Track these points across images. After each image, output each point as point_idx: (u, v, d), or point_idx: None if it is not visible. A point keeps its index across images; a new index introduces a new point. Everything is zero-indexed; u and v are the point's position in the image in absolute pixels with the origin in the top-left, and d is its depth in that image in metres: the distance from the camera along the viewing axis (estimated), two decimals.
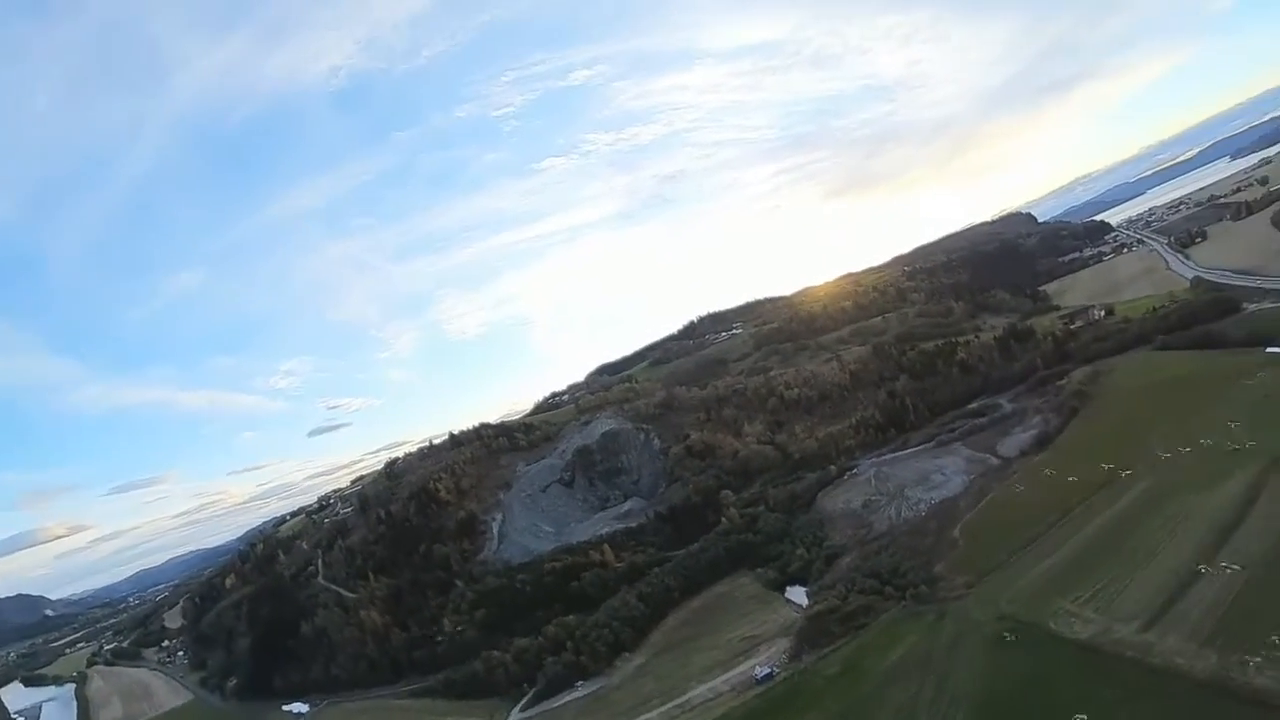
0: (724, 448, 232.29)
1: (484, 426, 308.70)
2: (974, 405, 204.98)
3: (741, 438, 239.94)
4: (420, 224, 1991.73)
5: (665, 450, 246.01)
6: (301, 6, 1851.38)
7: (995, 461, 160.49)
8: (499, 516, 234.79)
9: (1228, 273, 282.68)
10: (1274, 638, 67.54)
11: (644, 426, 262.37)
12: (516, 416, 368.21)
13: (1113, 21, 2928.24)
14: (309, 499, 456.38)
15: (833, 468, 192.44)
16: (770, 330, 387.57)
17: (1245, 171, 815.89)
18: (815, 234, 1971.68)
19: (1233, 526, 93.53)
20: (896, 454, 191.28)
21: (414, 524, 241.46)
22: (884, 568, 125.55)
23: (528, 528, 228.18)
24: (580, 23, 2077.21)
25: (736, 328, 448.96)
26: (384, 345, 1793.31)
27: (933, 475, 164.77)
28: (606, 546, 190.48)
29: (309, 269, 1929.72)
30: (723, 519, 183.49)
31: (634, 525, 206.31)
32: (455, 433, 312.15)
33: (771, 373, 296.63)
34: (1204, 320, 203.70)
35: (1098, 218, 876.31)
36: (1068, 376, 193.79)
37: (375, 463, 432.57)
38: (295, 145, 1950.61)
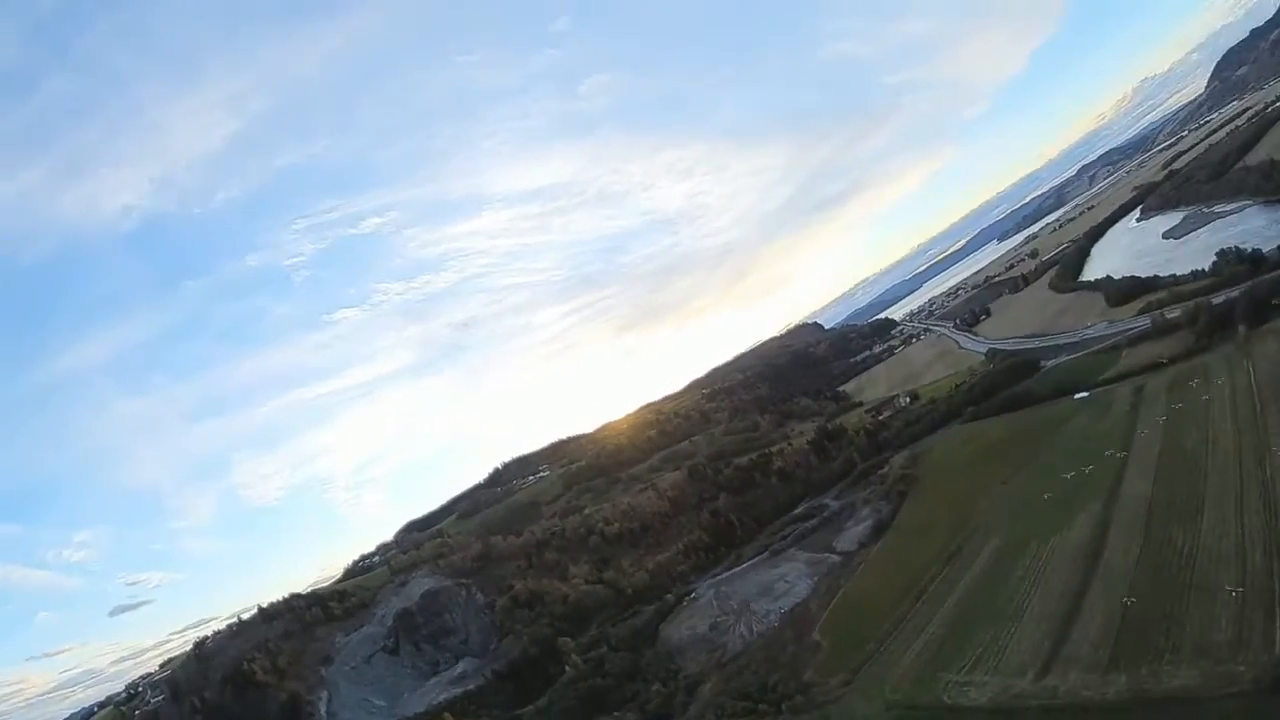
0: (552, 593, 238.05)
1: (295, 597, 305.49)
2: (800, 509, 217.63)
3: (569, 580, 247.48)
4: (214, 381, 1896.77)
5: (490, 604, 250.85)
6: (97, 138, 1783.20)
7: (836, 558, 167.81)
8: (325, 695, 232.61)
9: (1019, 339, 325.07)
10: (1173, 642, 73.53)
11: (464, 582, 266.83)
12: (328, 583, 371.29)
13: (876, 138, 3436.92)
14: (116, 686, 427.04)
15: (669, 596, 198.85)
16: (579, 469, 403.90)
17: (1014, 250, 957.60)
18: (611, 369, 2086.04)
19: (1093, 561, 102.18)
20: (732, 571, 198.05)
21: (233, 711, 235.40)
22: (751, 686, 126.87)
23: (358, 704, 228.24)
24: (371, 169, 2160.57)
25: (543, 470, 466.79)
26: (182, 513, 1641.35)
27: (776, 585, 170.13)
28: (447, 715, 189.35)
29: (101, 428, 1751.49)
30: (566, 668, 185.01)
31: (472, 688, 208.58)
32: (265, 606, 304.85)
33: (587, 511, 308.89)
34: (1008, 385, 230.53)
35: (882, 315, 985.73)
36: (888, 464, 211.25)
37: (183, 643, 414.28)
38: (85, 291, 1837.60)
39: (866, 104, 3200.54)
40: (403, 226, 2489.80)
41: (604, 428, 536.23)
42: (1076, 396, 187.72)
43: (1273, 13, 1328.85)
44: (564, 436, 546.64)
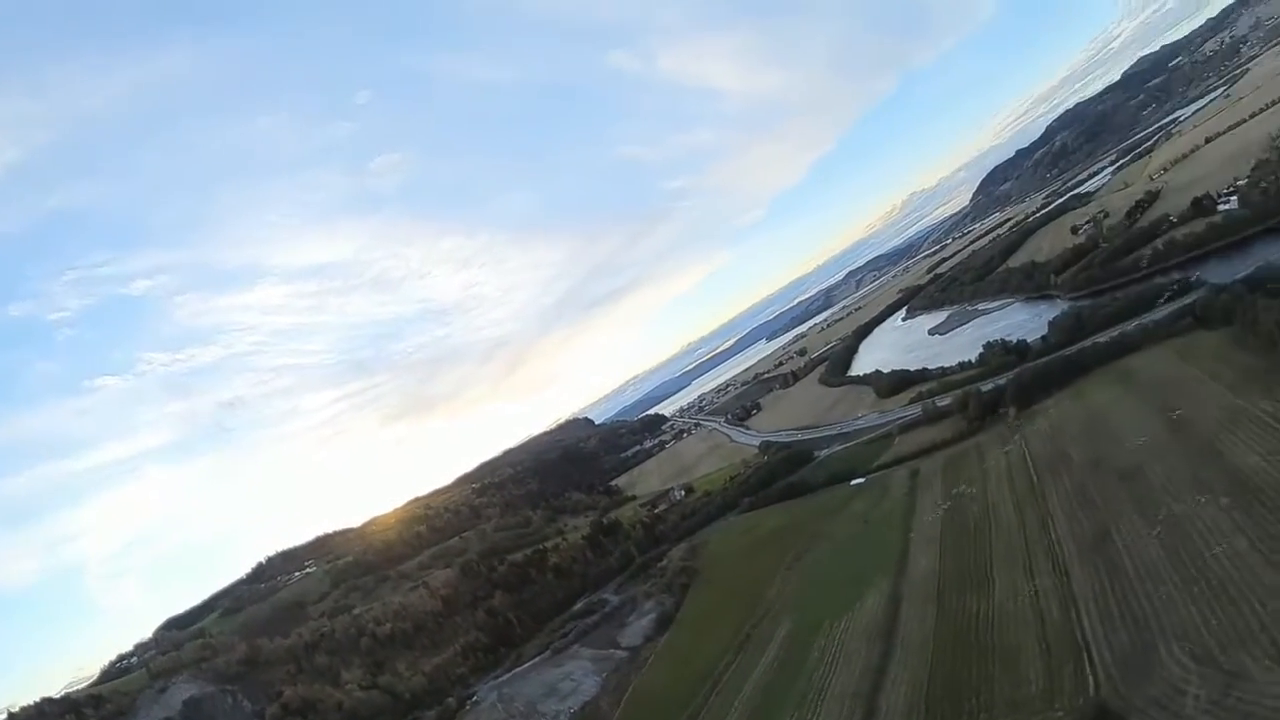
0: (325, 701, 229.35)
1: (47, 701, 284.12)
2: (580, 605, 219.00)
3: (341, 686, 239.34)
4: None
5: (259, 713, 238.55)
6: None
7: (622, 653, 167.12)
8: None
9: (792, 431, 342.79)
10: (984, 701, 76.07)
11: (229, 688, 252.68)
12: (82, 686, 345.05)
13: (654, 239, 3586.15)
14: None
15: (450, 700, 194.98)
16: (346, 565, 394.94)
17: (784, 348, 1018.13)
18: (379, 459, 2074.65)
19: (890, 635, 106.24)
20: (514, 671, 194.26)
21: None
22: None
23: None
24: (149, 224, 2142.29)
25: (309, 565, 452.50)
26: None
27: (561, 684, 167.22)
28: None
29: None
30: None
31: None
32: (14, 711, 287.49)
33: (356, 610, 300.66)
34: (784, 475, 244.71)
35: (652, 411, 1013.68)
36: (667, 557, 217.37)
37: None
38: None
39: (648, 206, 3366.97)
40: (174, 292, 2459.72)
41: (372, 522, 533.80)
42: (853, 483, 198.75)
43: (1038, 136, 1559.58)
44: (330, 530, 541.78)
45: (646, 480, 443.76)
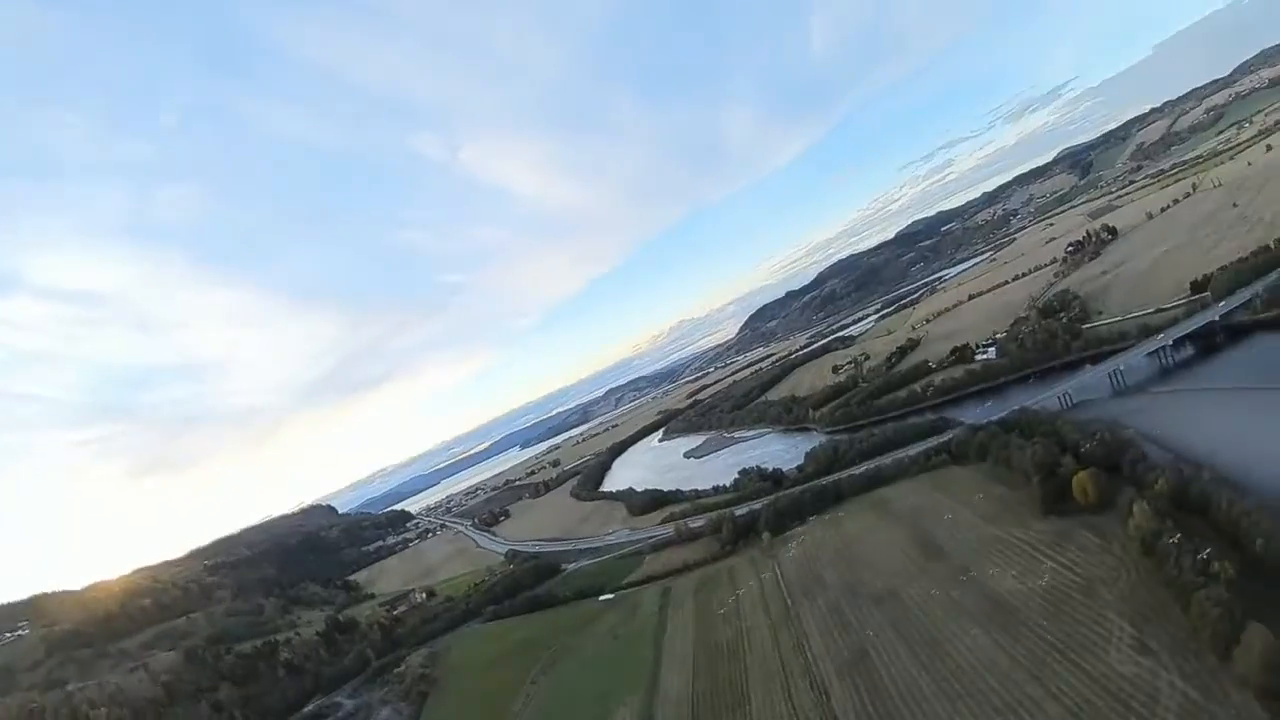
0: None
1: None
2: (311, 708, 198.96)
3: None
4: None
5: None
6: None
7: None
8: None
9: (539, 542, 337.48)
10: None
11: None
12: None
13: (425, 329, 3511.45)
14: None
15: None
16: (64, 633, 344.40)
17: (537, 457, 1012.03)
18: (109, 516, 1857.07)
19: None
20: None
21: None
22: None
23: None
24: None
25: (23, 627, 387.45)
26: None
27: None
28: None
29: None
30: None
31: None
32: None
33: (70, 687, 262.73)
34: (531, 586, 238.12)
35: (397, 507, 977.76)
36: (405, 662, 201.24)
37: None
38: None
39: (424, 296, 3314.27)
40: None
41: (94, 587, 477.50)
42: (602, 598, 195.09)
43: (809, 281, 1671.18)
44: (49, 590, 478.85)
45: (388, 578, 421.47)
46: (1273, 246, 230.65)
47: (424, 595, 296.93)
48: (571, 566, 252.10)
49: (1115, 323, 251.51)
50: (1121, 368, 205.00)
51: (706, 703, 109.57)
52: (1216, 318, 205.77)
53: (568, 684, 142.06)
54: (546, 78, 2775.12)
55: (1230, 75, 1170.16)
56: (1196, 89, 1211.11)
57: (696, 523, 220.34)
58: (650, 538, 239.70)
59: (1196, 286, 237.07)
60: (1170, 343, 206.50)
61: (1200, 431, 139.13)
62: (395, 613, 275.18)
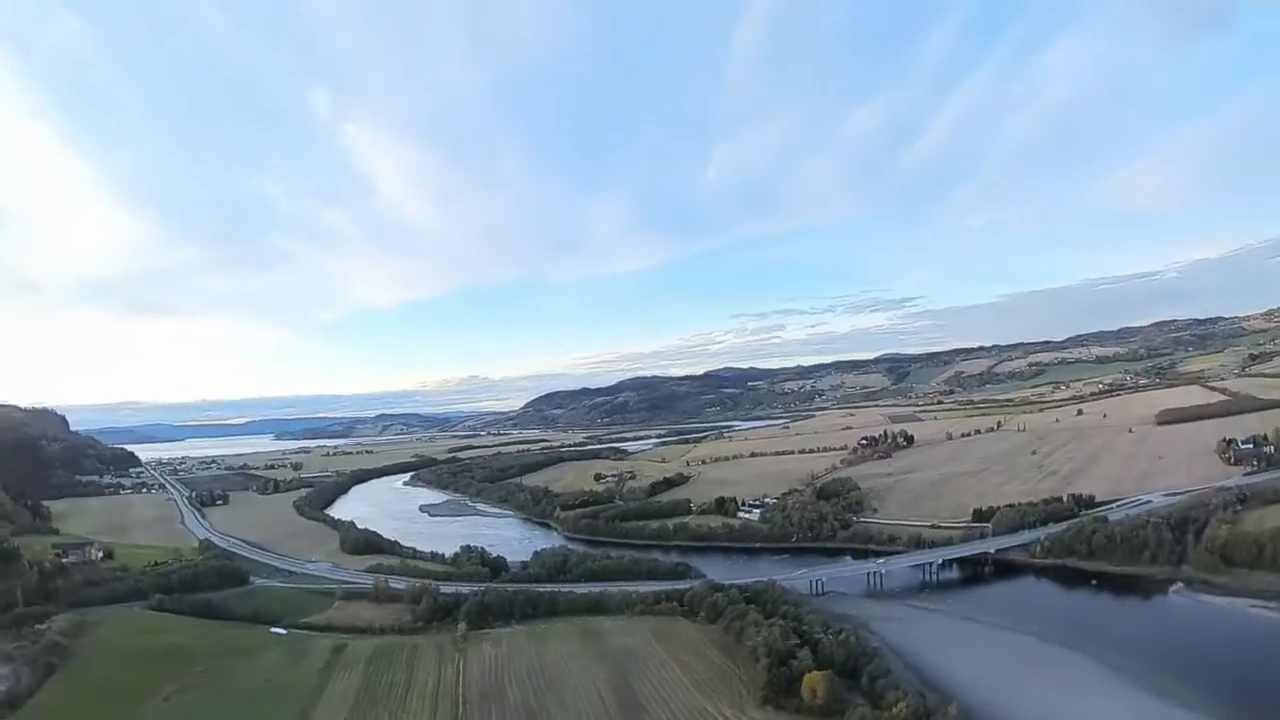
0: None
1: None
2: None
3: None
4: None
5: None
6: None
7: None
8: None
9: (242, 543, 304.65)
10: None
11: None
12: None
13: (236, 280, 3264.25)
14: None
15: None
16: None
17: (284, 453, 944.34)
18: None
19: None
20: None
21: None
22: None
23: None
24: None
25: None
26: None
27: None
28: None
29: None
30: None
31: None
32: None
33: None
34: (209, 587, 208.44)
35: (130, 447, 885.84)
36: (49, 620, 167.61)
37: None
38: None
39: (253, 246, 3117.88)
40: None
41: None
42: (274, 629, 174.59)
43: (608, 385, 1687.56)
44: None
45: (81, 519, 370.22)
46: (1065, 500, 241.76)
47: (101, 553, 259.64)
48: (261, 582, 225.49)
49: (888, 525, 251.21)
50: (883, 570, 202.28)
51: None
52: (991, 550, 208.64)
53: (204, 709, 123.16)
54: (458, 93, 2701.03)
55: (1062, 341, 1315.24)
56: (1025, 343, 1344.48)
57: (399, 584, 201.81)
58: (348, 583, 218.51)
59: (979, 515, 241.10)
60: (939, 561, 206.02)
61: (950, 660, 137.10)
62: (64, 561, 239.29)
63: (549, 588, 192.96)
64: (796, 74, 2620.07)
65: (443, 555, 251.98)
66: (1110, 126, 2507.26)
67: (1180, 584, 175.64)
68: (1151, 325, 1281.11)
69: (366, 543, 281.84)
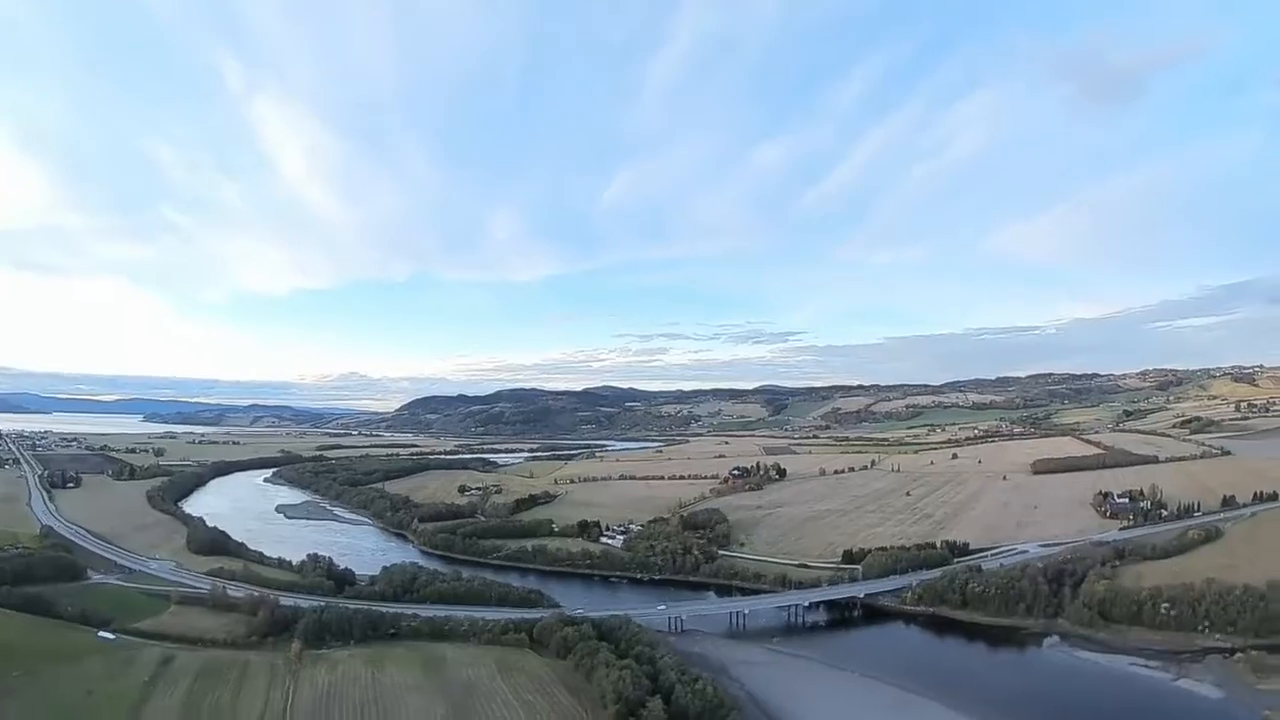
0: None
1: None
2: None
3: None
4: None
5: None
6: None
7: None
8: None
9: (86, 532, 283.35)
10: None
11: None
12: None
13: (122, 248, 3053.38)
14: None
15: None
16: None
17: (149, 437, 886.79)
18: None
19: None
20: None
21: None
22: None
23: None
24: None
25: None
26: None
27: None
28: None
29: None
30: None
31: None
32: None
33: None
34: (41, 579, 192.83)
35: None
36: None
37: None
38: None
39: (144, 212, 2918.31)
40: None
41: None
42: (102, 634, 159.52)
43: (485, 394, 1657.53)
44: None
45: None
46: (939, 546, 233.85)
47: None
48: (98, 578, 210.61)
49: (755, 561, 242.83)
50: (747, 611, 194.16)
51: None
52: (861, 594, 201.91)
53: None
54: (372, 84, 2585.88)
55: (940, 386, 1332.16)
56: (905, 385, 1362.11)
57: (238, 592, 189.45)
58: (186, 586, 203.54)
59: (849, 556, 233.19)
60: (806, 604, 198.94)
61: (816, 713, 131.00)
62: None
63: (394, 608, 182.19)
64: (708, 106, 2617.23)
65: (290, 562, 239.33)
66: (1011, 182, 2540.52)
67: (1056, 637, 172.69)
68: (1029, 377, 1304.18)
69: (214, 543, 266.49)
